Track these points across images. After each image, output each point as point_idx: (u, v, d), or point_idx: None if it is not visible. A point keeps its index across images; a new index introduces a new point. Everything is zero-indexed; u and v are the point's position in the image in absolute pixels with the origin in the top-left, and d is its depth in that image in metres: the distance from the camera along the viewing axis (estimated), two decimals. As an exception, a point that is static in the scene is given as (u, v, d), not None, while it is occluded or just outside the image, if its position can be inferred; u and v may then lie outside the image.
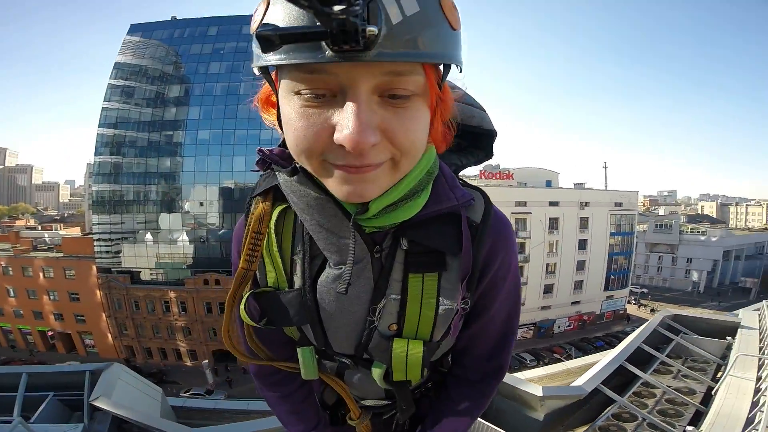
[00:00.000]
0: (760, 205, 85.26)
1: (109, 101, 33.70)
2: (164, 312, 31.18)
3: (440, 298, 0.68)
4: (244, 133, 31.78)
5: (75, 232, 44.87)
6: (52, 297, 31.97)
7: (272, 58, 0.45)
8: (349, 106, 0.45)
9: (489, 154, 0.89)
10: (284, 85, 0.50)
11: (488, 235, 0.69)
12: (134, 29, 35.82)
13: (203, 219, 32.56)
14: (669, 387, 6.56)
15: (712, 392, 6.31)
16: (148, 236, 32.26)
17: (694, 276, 45.27)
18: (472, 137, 0.83)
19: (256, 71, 0.53)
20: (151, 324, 31.32)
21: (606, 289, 37.42)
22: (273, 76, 0.54)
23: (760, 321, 9.91)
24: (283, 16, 0.43)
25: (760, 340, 8.58)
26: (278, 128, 0.59)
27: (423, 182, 0.61)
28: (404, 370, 0.71)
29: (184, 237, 32.14)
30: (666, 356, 7.50)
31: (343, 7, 0.32)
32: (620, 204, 37.71)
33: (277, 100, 0.54)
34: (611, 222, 37.20)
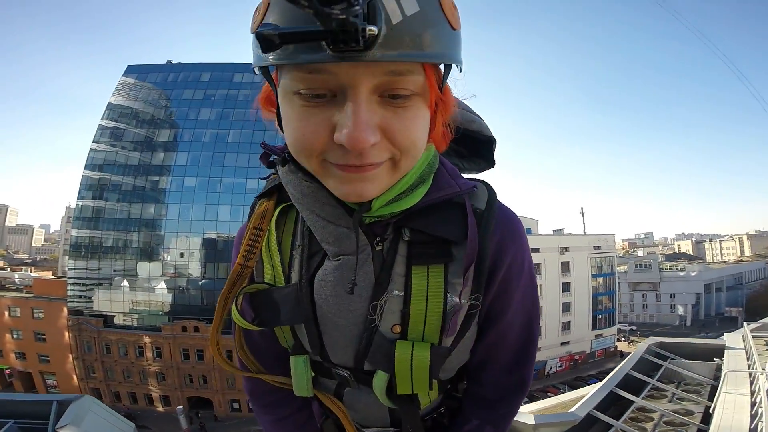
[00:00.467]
0: (733, 239, 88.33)
1: (97, 142, 33.79)
2: (137, 356, 29.96)
3: (447, 294, 0.61)
4: (230, 181, 31.93)
5: (46, 275, 43.43)
6: (15, 336, 30.89)
7: (272, 58, 0.45)
8: (349, 106, 0.45)
9: (490, 163, 0.87)
10: (284, 85, 0.50)
11: (495, 224, 0.64)
12: (130, 70, 36.48)
13: (184, 269, 31.86)
14: (666, 410, 6.47)
15: (710, 411, 6.30)
16: (125, 283, 31.37)
17: (680, 310, 46.36)
18: (473, 144, 0.83)
19: (256, 71, 0.53)
20: (122, 368, 30.05)
21: (594, 328, 38.57)
22: (273, 76, 0.54)
23: (744, 341, 10.11)
24: (283, 16, 0.43)
25: (747, 358, 8.68)
26: (278, 128, 0.58)
27: (424, 175, 0.60)
28: (409, 379, 0.62)
29: (163, 285, 31.36)
30: (657, 381, 7.44)
31: (343, 6, 0.32)
32: (599, 247, 39.76)
33: (277, 100, 0.54)
34: (592, 264, 39.14)
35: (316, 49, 0.40)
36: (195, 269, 31.83)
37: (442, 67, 0.53)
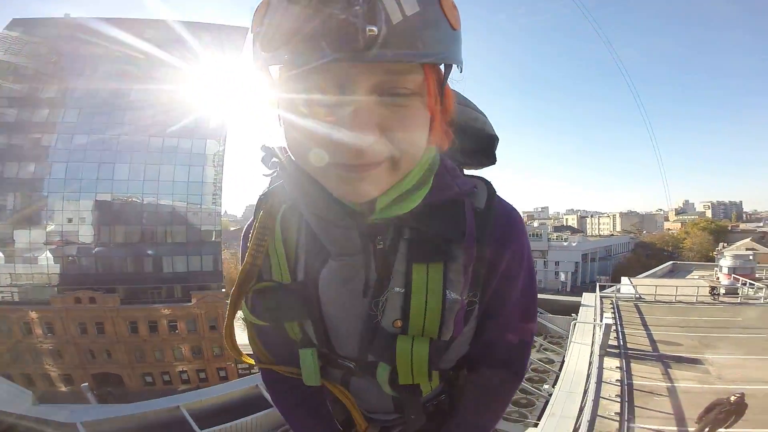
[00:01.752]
0: (609, 216, 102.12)
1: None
2: (24, 334, 26.26)
3: (446, 290, 0.62)
4: (129, 139, 28.88)
5: None
6: None
7: (272, 59, 0.46)
8: (348, 105, 0.45)
9: (492, 160, 0.89)
10: (283, 85, 0.50)
11: (494, 222, 0.65)
12: (15, 24, 30.80)
13: (73, 235, 28.40)
14: (533, 359, 8.00)
15: (564, 358, 8.14)
16: (-1, 254, 26.82)
17: (562, 276, 52.82)
18: (475, 141, 0.83)
19: (255, 71, 0.53)
20: (7, 347, 26.07)
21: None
22: (272, 76, 0.54)
23: (594, 300, 12.68)
24: (283, 15, 0.43)
25: (594, 312, 10.97)
26: (278, 129, 0.58)
27: (425, 176, 0.60)
28: (410, 371, 0.64)
29: (48, 254, 27.68)
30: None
31: (343, 7, 0.34)
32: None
33: (276, 99, 0.55)
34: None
35: (317, 48, 0.41)
36: (87, 235, 28.54)
37: (442, 67, 0.54)
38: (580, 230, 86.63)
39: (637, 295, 15.00)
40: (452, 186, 0.64)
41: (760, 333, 11.07)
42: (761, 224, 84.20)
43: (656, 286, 15.41)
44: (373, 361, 0.69)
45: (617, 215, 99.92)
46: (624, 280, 19.49)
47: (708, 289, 15.89)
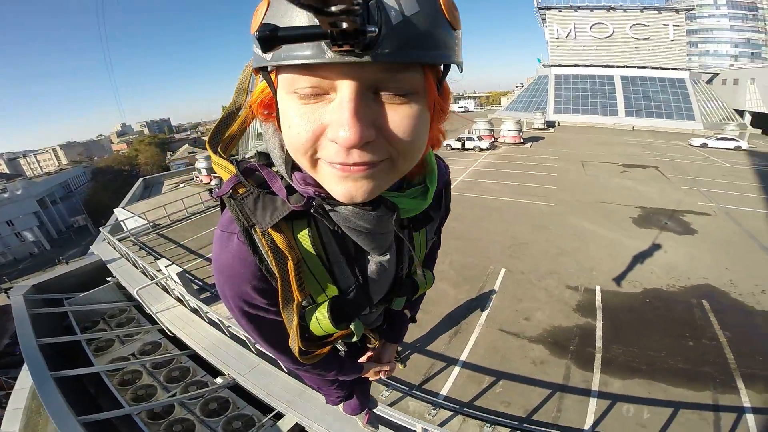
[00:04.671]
0: (48, 151, 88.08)
1: None
2: None
3: (428, 242, 0.94)
4: None
5: None
6: None
7: (272, 59, 0.45)
8: (345, 103, 0.44)
9: None
10: (283, 85, 0.49)
11: (449, 190, 0.96)
12: None
13: None
14: None
15: None
16: None
17: (29, 236, 40.91)
18: None
19: (255, 72, 0.53)
20: None
21: None
22: (272, 77, 0.52)
23: (115, 247, 11.20)
24: (283, 16, 0.42)
25: (131, 262, 9.42)
26: (278, 129, 0.58)
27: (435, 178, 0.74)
28: (425, 289, 1.00)
29: None
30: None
31: (343, 7, 0.32)
32: None
33: (276, 100, 0.53)
34: None
35: (316, 49, 0.41)
36: None
37: (441, 67, 0.53)
38: (17, 174, 68.66)
39: (151, 223, 14.21)
40: (441, 178, 0.83)
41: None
42: (188, 133, 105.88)
43: (135, 215, 15.07)
44: (388, 298, 0.93)
45: (57, 149, 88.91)
46: (119, 212, 17.85)
47: (208, 192, 17.71)
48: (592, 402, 5.54)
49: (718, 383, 5.79)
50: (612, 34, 39.41)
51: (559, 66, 41.53)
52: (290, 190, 0.63)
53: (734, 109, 35.11)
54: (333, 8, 0.31)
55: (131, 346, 8.75)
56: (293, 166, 0.61)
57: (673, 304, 7.72)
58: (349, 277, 0.76)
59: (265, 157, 0.67)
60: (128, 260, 10.68)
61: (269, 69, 0.52)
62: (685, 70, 37.82)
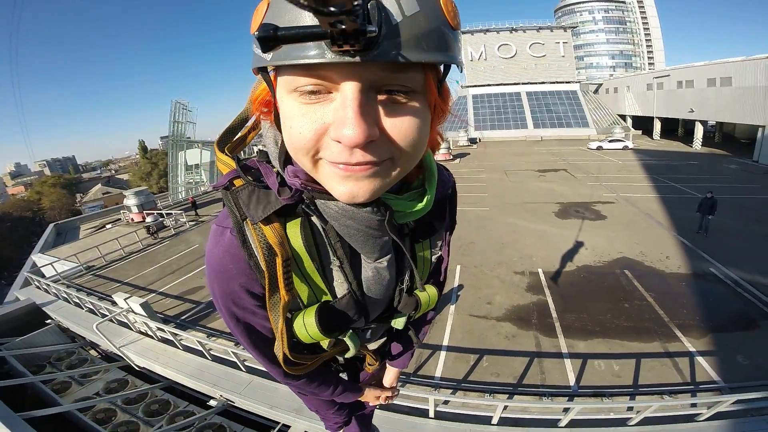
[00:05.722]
0: None
1: None
2: None
3: (433, 255, 0.87)
4: None
5: None
6: None
7: (271, 59, 0.44)
8: (348, 103, 0.44)
9: None
10: (282, 85, 0.49)
11: (455, 202, 0.92)
12: None
13: None
14: None
15: None
16: None
17: None
18: None
19: (255, 72, 0.52)
20: None
21: None
22: (272, 77, 0.53)
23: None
24: (283, 16, 0.42)
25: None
26: (277, 129, 0.58)
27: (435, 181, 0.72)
28: (427, 307, 0.88)
29: None
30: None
31: (343, 7, 0.31)
32: None
33: (275, 101, 0.53)
34: None
35: (316, 49, 0.41)
36: None
37: (441, 66, 0.53)
38: None
39: (83, 265, 13.02)
40: (443, 185, 0.79)
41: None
42: (99, 172, 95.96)
43: (60, 259, 13.82)
44: (387, 316, 0.90)
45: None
46: (38, 258, 15.95)
47: (145, 230, 16.53)
48: (567, 362, 6.32)
49: (661, 334, 6.84)
50: (516, 54, 44.47)
51: (475, 86, 45.63)
52: (284, 185, 0.63)
53: (618, 114, 41.35)
54: (333, 8, 0.31)
55: (92, 386, 8.10)
56: (286, 160, 0.62)
57: (603, 276, 9.15)
58: (343, 283, 0.73)
59: (265, 155, 0.67)
60: (69, 301, 9.83)
61: (269, 69, 0.52)
62: (576, 82, 43.93)
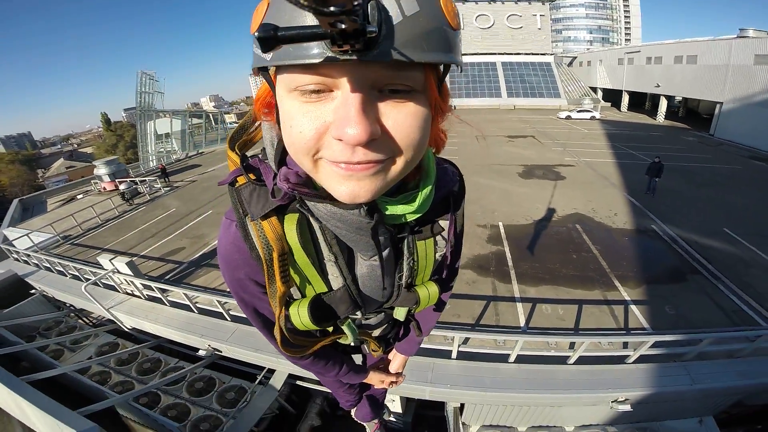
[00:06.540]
0: None
1: None
2: None
3: (437, 253, 0.85)
4: None
5: None
6: None
7: (272, 59, 0.45)
8: (349, 102, 0.44)
9: None
10: (283, 84, 0.49)
11: (463, 199, 0.89)
12: None
13: None
14: None
15: None
16: None
17: None
18: None
19: (255, 72, 0.52)
20: None
21: None
22: (272, 77, 0.53)
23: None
24: (283, 16, 0.42)
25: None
26: (278, 129, 0.60)
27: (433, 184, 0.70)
28: (427, 303, 0.89)
29: None
30: None
31: (343, 7, 0.32)
32: None
33: (276, 100, 0.53)
34: None
35: (317, 49, 0.41)
36: None
37: (441, 66, 0.54)
38: None
39: (60, 235, 12.99)
40: (446, 184, 0.80)
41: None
42: (58, 147, 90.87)
43: (34, 231, 13.73)
44: (389, 307, 0.94)
45: None
46: (8, 232, 15.54)
47: (120, 197, 16.37)
48: (519, 306, 7.03)
49: (602, 284, 7.59)
50: (493, 25, 44.24)
51: (451, 55, 45.40)
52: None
53: (590, 87, 42.42)
54: (333, 8, 0.31)
55: (85, 351, 8.46)
56: (280, 162, 0.64)
57: (556, 230, 10.06)
58: (338, 277, 0.77)
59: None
60: (52, 270, 9.95)
61: (269, 69, 0.53)
62: (550, 54, 44.39)
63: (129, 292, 8.39)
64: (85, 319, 10.41)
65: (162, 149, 28.52)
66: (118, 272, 8.04)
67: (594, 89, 42.15)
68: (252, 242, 0.68)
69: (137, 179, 18.55)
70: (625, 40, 68.71)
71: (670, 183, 13.26)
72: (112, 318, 8.28)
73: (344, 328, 0.91)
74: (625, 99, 36.84)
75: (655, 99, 33.83)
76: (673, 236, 9.53)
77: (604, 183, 13.91)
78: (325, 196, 0.60)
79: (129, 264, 7.90)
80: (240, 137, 0.71)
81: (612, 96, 40.13)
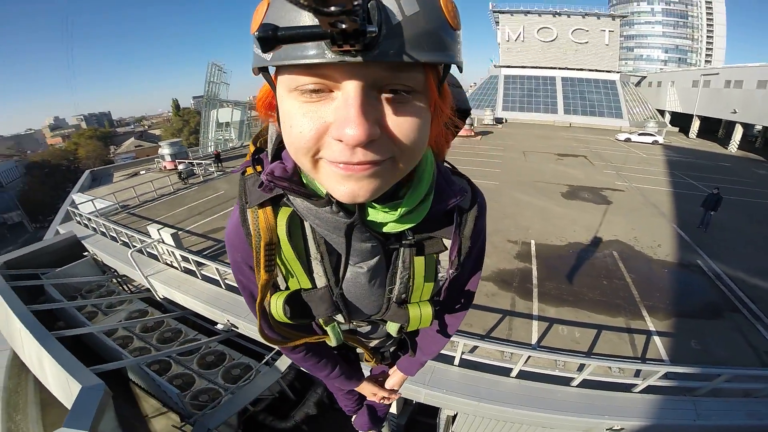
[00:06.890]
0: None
1: None
2: None
3: (438, 273, 0.81)
4: None
5: None
6: None
7: (272, 59, 0.44)
8: (349, 101, 0.44)
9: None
10: (283, 84, 0.49)
11: (477, 218, 0.79)
12: None
13: None
14: None
15: None
16: None
17: None
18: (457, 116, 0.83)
19: (255, 72, 0.51)
20: None
21: None
22: (272, 77, 0.53)
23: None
24: (283, 16, 0.42)
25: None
26: (279, 129, 0.61)
27: (430, 188, 0.67)
28: (418, 324, 0.83)
29: None
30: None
31: (343, 7, 0.32)
32: None
33: (276, 100, 0.53)
34: None
35: (316, 49, 0.41)
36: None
37: (441, 67, 0.54)
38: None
39: (119, 204, 14.39)
40: (451, 195, 0.72)
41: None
42: (131, 127, 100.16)
43: (98, 198, 15.11)
44: (380, 319, 0.91)
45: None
46: (78, 197, 17.47)
47: (177, 176, 17.96)
48: (534, 324, 6.86)
49: (629, 312, 7.25)
50: (556, 38, 42.88)
51: (509, 67, 44.50)
52: None
53: (657, 109, 39.71)
54: (333, 8, 0.31)
55: (116, 316, 9.23)
56: (275, 157, 0.68)
57: (590, 254, 9.65)
58: (322, 277, 0.77)
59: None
60: (106, 235, 11.09)
61: (269, 70, 0.52)
62: (617, 72, 42.16)
63: (168, 262, 9.17)
64: (124, 286, 11.36)
65: (221, 137, 30.67)
66: (163, 242, 8.83)
67: (662, 112, 39.40)
68: (248, 228, 0.72)
69: (194, 161, 20.08)
70: (705, 61, 63.49)
71: (728, 218, 12.23)
72: (149, 286, 9.08)
73: (328, 329, 0.90)
74: (696, 124, 34.15)
75: (729, 127, 31.05)
76: (718, 272, 8.82)
77: (652, 211, 13.06)
78: (302, 192, 0.62)
79: (174, 236, 8.65)
80: (260, 136, 0.78)
81: (681, 121, 37.26)
